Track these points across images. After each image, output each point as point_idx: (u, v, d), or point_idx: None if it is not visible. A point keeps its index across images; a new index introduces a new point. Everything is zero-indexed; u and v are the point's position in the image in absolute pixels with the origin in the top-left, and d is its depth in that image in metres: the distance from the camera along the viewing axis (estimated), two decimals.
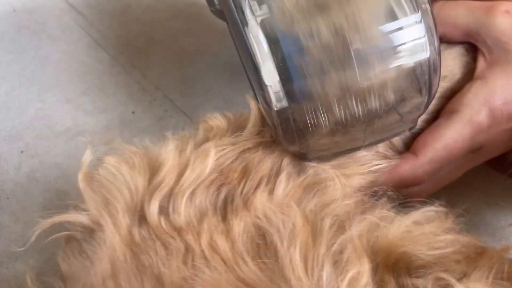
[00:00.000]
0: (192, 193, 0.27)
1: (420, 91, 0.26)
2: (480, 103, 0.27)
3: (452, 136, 0.28)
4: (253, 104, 0.31)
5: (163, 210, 0.26)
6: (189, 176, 0.27)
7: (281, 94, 0.26)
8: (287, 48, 0.25)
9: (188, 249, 0.25)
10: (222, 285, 0.24)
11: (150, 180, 0.27)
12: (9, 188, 0.36)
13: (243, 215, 0.26)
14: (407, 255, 0.24)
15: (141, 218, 0.27)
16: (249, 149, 0.29)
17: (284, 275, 0.23)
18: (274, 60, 0.25)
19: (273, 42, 0.25)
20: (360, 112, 0.25)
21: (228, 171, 0.28)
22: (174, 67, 0.46)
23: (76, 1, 0.51)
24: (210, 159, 0.27)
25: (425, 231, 0.25)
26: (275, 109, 0.26)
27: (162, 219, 0.26)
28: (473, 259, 0.24)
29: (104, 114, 0.42)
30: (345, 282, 0.22)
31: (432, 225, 0.25)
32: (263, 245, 0.25)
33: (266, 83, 0.26)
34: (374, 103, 0.25)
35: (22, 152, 0.38)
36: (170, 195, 0.27)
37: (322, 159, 0.29)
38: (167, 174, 0.27)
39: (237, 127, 0.32)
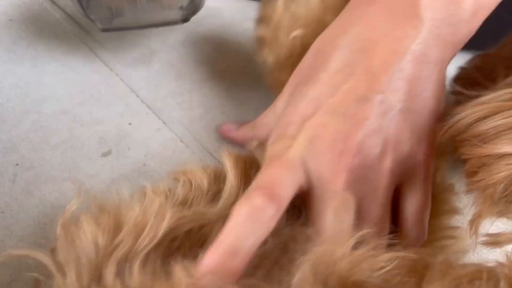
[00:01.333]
0: (147, 257, 0.28)
1: None
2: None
3: None
4: (230, 174, 0.32)
5: (120, 272, 0.27)
6: (144, 239, 0.28)
7: None
8: None
9: None
10: None
11: (112, 240, 0.28)
12: (4, 202, 0.36)
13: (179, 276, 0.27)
14: (358, 283, 0.24)
15: (99, 278, 0.27)
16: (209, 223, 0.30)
17: None
18: None
19: None
20: None
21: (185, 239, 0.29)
22: (171, 78, 0.46)
23: (73, 11, 0.50)
24: (164, 223, 0.28)
25: (366, 255, 0.25)
26: None
27: (117, 282, 0.26)
28: (420, 272, 0.24)
29: (101, 126, 0.41)
30: None
31: (368, 248, 0.25)
32: None
33: None
34: None
35: (17, 165, 0.38)
36: (127, 258, 0.28)
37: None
38: (125, 235, 0.28)
39: (217, 186, 0.33)
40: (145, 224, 0.28)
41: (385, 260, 0.24)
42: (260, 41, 0.40)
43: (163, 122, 0.42)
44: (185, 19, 0.39)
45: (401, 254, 0.25)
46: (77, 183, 0.34)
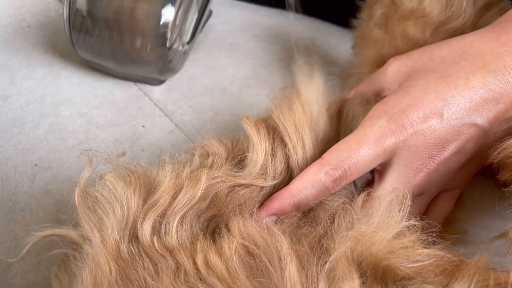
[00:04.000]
0: (183, 216, 0.28)
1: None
2: (378, 112, 0.32)
3: (348, 142, 0.31)
4: (259, 151, 0.32)
5: (155, 230, 0.28)
6: (182, 199, 0.29)
7: None
8: None
9: (179, 266, 0.26)
10: None
11: (144, 199, 0.29)
12: (23, 201, 0.37)
13: (231, 238, 0.27)
14: (390, 268, 0.25)
15: (132, 235, 0.28)
16: (241, 185, 0.31)
17: None
18: None
19: None
20: None
21: (220, 204, 0.30)
22: (183, 83, 0.48)
23: None
24: (201, 185, 0.29)
25: (405, 244, 0.26)
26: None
27: (154, 239, 0.27)
28: (451, 271, 0.25)
29: (115, 128, 0.43)
30: None
31: (411, 238, 0.26)
32: (253, 264, 0.27)
33: None
34: None
35: (36, 165, 0.40)
36: (163, 216, 0.28)
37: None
38: (162, 195, 0.29)
39: (234, 155, 0.33)
40: (181, 185, 0.29)
41: (423, 255, 0.26)
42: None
43: (175, 125, 0.44)
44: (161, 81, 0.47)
45: (441, 253, 0.26)
46: (89, 152, 0.34)
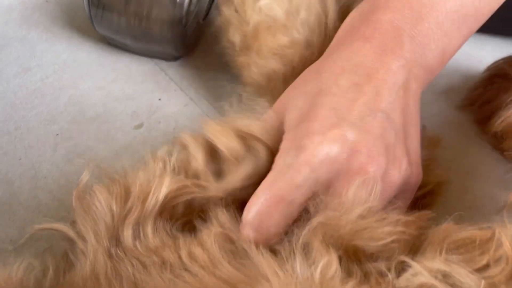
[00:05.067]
0: (155, 220, 0.30)
1: None
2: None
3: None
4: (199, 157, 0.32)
5: (135, 236, 0.30)
6: (149, 205, 0.30)
7: None
8: None
9: (164, 262, 0.28)
10: (206, 285, 0.27)
11: (121, 207, 0.31)
12: (46, 169, 0.39)
13: (210, 228, 0.29)
14: (357, 248, 0.27)
15: (117, 240, 0.30)
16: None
17: (260, 272, 0.26)
18: None
19: None
20: None
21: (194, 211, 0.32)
22: (198, 57, 0.49)
23: None
24: (163, 188, 0.30)
25: (369, 225, 0.27)
26: None
27: (137, 243, 0.29)
28: (417, 245, 0.27)
29: (132, 101, 0.44)
30: (318, 270, 0.25)
31: (371, 219, 0.27)
32: (233, 248, 0.28)
33: None
34: None
35: (57, 135, 0.41)
36: (138, 221, 0.30)
37: None
38: (134, 201, 0.30)
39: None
40: (149, 190, 0.31)
41: (384, 233, 0.27)
42: (226, 23, 0.41)
43: (190, 98, 0.45)
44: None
45: (401, 229, 0.27)
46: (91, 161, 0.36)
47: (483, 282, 0.24)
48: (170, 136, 0.42)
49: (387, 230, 0.27)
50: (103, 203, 0.30)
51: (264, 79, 0.39)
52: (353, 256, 0.27)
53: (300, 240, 0.27)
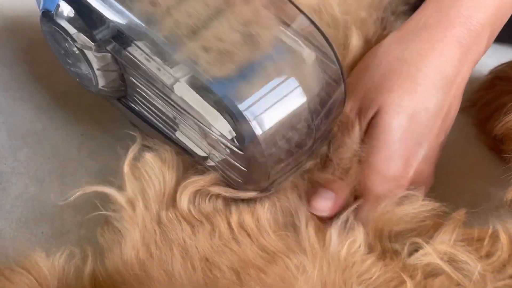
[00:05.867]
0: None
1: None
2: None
3: None
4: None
5: (191, 202, 0.32)
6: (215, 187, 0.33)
7: (240, 136, 0.26)
8: (221, 91, 0.26)
9: (214, 228, 0.31)
10: (246, 253, 0.29)
11: (178, 175, 0.33)
12: (72, 167, 0.41)
13: (265, 199, 0.32)
14: (387, 227, 0.31)
15: (168, 205, 0.32)
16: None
17: (300, 244, 0.29)
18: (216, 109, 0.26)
19: (204, 92, 0.26)
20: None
21: None
22: None
23: None
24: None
25: (402, 212, 0.31)
26: (244, 153, 0.27)
27: (191, 207, 0.31)
28: (440, 224, 0.30)
29: None
30: (346, 246, 0.29)
31: (408, 205, 0.31)
32: (285, 220, 0.31)
33: (225, 134, 0.27)
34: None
35: (82, 135, 0.44)
36: (197, 192, 0.32)
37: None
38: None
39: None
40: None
41: (411, 216, 0.31)
42: None
43: None
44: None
45: (428, 207, 0.32)
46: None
47: (479, 266, 0.27)
48: None
49: (414, 212, 0.31)
50: (156, 170, 0.33)
51: None
52: (378, 234, 0.31)
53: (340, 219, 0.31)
